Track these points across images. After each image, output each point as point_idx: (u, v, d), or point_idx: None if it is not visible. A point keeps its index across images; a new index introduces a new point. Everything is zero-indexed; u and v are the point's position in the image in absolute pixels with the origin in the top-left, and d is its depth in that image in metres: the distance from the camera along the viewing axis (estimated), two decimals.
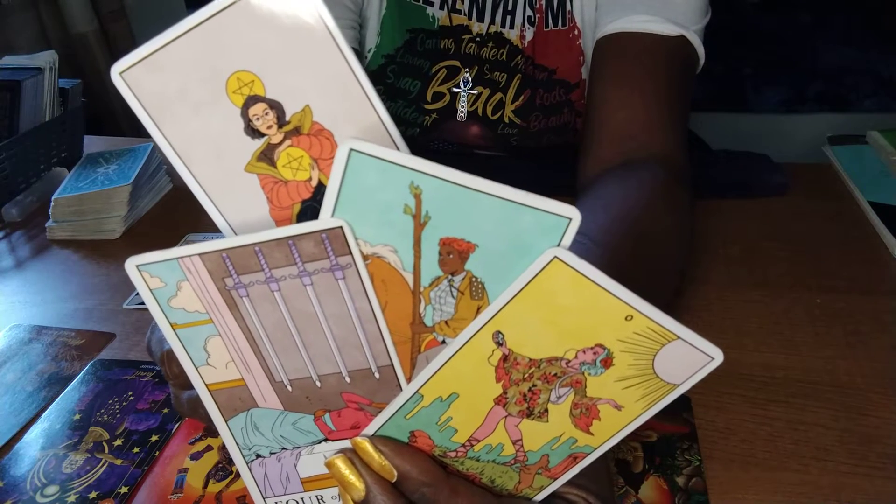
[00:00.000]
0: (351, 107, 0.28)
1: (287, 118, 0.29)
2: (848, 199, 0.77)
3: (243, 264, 0.28)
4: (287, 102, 0.28)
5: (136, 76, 0.28)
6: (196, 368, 0.31)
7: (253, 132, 0.29)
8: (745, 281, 0.66)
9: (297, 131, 0.29)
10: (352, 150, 0.26)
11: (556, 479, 0.33)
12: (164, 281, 0.29)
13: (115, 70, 0.28)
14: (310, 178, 0.30)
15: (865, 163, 0.82)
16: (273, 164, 0.29)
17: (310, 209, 0.30)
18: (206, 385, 0.31)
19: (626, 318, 0.28)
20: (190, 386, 0.36)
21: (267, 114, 0.29)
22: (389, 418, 0.31)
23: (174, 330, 0.30)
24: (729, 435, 0.51)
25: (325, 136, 0.29)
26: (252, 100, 0.28)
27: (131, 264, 0.28)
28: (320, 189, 0.30)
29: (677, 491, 0.47)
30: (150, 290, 0.29)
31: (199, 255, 0.28)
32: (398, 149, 0.29)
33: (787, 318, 0.61)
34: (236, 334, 0.30)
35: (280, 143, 0.29)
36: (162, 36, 0.27)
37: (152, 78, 0.28)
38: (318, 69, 0.28)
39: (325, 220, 0.28)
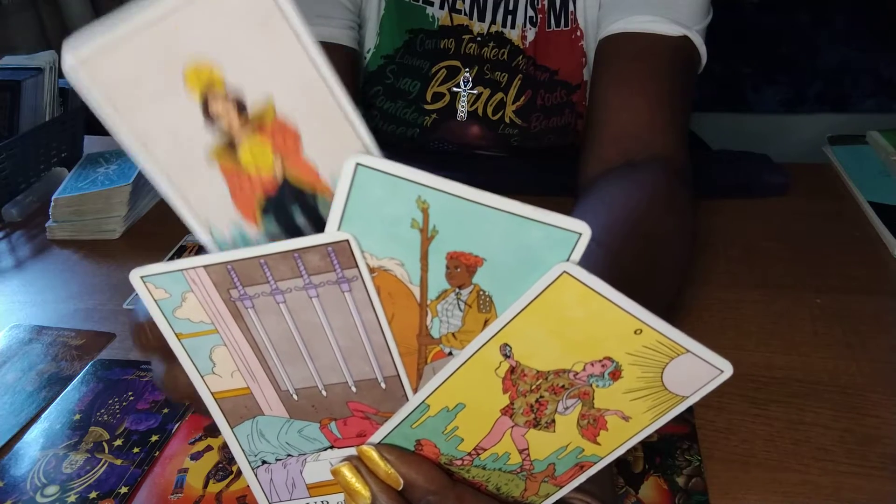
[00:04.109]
0: (315, 102, 0.28)
1: (248, 112, 0.28)
2: (848, 199, 0.77)
3: (248, 276, 0.28)
4: (248, 97, 0.28)
5: (87, 59, 0.26)
6: (202, 377, 0.31)
7: (213, 124, 0.28)
8: (745, 281, 0.66)
9: (259, 126, 0.28)
10: (358, 164, 0.26)
11: (562, 487, 0.33)
12: (169, 292, 0.29)
13: (67, 51, 0.26)
14: (274, 173, 0.29)
15: (865, 163, 0.82)
16: (235, 156, 0.29)
17: (275, 201, 0.29)
18: (211, 393, 0.31)
19: (635, 332, 0.27)
20: (162, 356, 0.34)
21: (227, 108, 0.28)
22: (395, 427, 0.31)
23: (179, 340, 0.30)
24: (729, 435, 0.51)
25: (288, 132, 0.28)
26: (211, 92, 0.27)
27: (136, 276, 0.28)
28: (286, 185, 0.29)
29: (677, 491, 0.47)
30: (155, 300, 0.29)
31: (204, 266, 0.28)
32: (364, 140, 0.28)
33: (787, 318, 0.61)
34: (242, 345, 0.30)
35: (242, 137, 0.28)
36: (117, 20, 0.26)
37: (105, 63, 0.26)
38: (282, 64, 0.27)
39: (331, 233, 0.27)
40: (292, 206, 0.29)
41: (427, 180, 0.26)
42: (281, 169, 0.29)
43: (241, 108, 0.28)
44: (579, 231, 0.26)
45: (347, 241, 0.27)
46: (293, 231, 0.30)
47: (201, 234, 0.30)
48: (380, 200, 0.26)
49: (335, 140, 0.28)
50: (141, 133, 0.28)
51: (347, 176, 0.26)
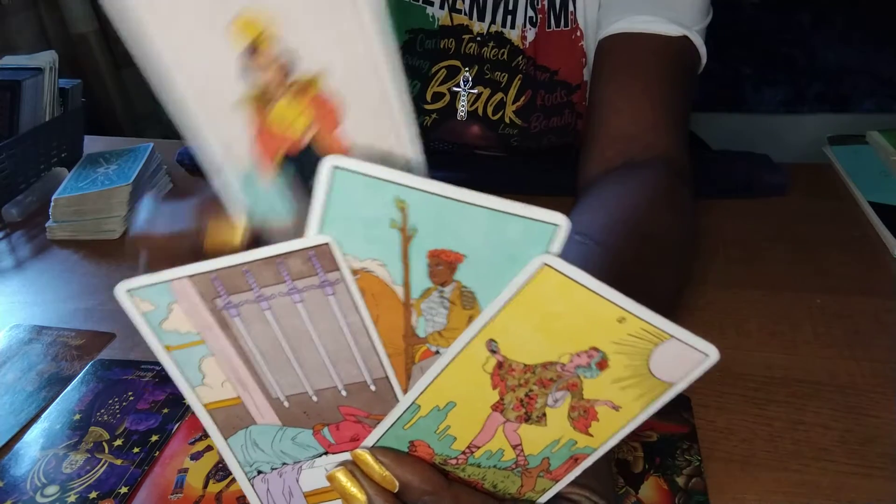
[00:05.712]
0: (366, 88, 0.27)
1: (294, 76, 0.27)
2: (848, 199, 0.77)
3: (233, 284, 0.28)
4: (298, 63, 0.27)
5: None
6: (192, 389, 0.31)
7: (251, 76, 0.27)
8: (745, 281, 0.66)
9: (300, 92, 0.27)
10: (334, 167, 0.26)
11: (558, 481, 0.33)
12: (155, 304, 0.29)
13: None
14: (302, 137, 0.28)
15: (865, 163, 0.82)
16: (265, 112, 0.28)
17: (294, 161, 0.29)
18: (203, 405, 0.31)
19: (618, 321, 0.28)
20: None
21: (272, 64, 0.27)
22: (388, 429, 0.31)
23: (168, 352, 0.30)
24: (729, 435, 0.51)
25: (328, 107, 0.28)
26: (260, 47, 0.26)
27: (121, 289, 0.28)
28: (309, 150, 0.29)
29: (677, 491, 0.47)
30: (142, 313, 0.29)
31: (189, 277, 0.28)
32: (403, 137, 0.28)
33: (787, 318, 0.61)
34: (230, 354, 0.30)
35: (279, 97, 0.27)
36: None
37: None
38: (343, 41, 0.26)
39: (311, 237, 0.27)
40: (310, 169, 0.29)
41: (403, 179, 0.26)
42: (311, 133, 0.28)
43: (287, 71, 0.27)
44: (557, 223, 0.26)
45: (328, 244, 0.27)
46: (303, 190, 0.29)
47: (211, 172, 0.29)
48: (358, 202, 0.26)
49: (375, 129, 0.28)
50: (170, 55, 0.27)
51: (325, 179, 0.26)
